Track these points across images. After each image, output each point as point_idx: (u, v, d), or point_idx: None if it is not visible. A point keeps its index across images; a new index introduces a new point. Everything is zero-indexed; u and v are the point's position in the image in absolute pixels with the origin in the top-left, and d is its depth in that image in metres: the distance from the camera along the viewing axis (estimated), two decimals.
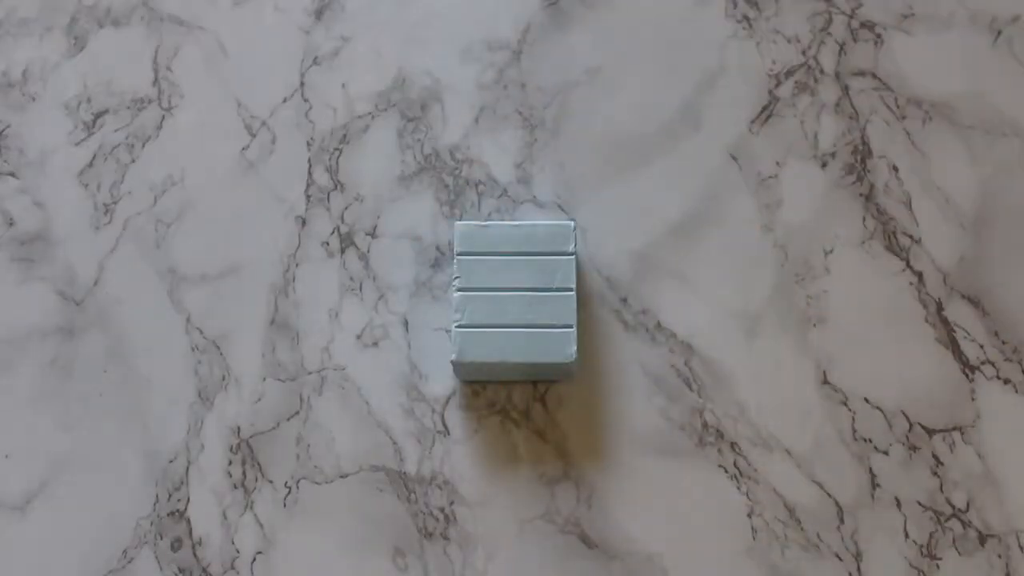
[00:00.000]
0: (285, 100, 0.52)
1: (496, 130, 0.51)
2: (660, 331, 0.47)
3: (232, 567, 0.45)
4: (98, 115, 0.53)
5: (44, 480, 0.47)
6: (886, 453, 0.44)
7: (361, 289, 0.49)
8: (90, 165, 0.52)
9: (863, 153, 0.49)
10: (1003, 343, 0.46)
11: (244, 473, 0.46)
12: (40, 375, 0.48)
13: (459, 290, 0.45)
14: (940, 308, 0.46)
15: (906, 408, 0.45)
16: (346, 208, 0.50)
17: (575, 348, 0.43)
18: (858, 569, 0.43)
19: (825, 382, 0.46)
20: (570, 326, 0.44)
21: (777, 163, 0.49)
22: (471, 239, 0.45)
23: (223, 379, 0.48)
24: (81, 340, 0.49)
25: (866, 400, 0.45)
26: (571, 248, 0.45)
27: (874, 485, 0.44)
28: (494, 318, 0.44)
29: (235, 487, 0.46)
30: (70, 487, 0.47)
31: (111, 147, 0.52)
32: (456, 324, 0.44)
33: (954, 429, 0.45)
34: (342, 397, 0.47)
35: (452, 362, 0.44)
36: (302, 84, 0.53)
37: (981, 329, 0.46)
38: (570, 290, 0.44)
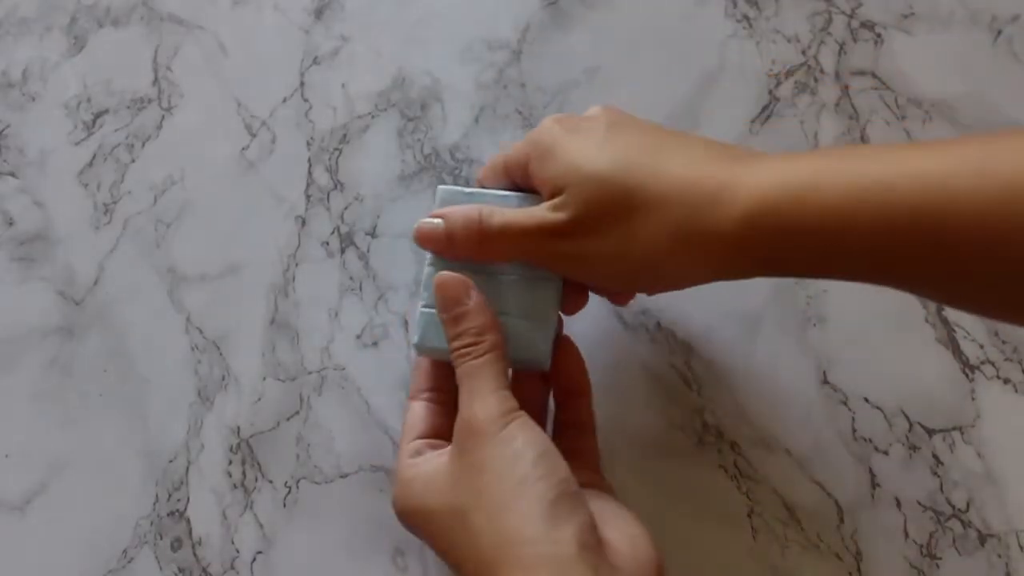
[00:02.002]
0: (285, 100, 0.52)
1: (496, 130, 0.51)
2: (660, 331, 0.47)
3: (232, 567, 0.45)
4: (98, 115, 0.53)
5: (44, 480, 0.47)
6: (886, 453, 0.44)
7: (361, 289, 0.49)
8: (90, 165, 0.52)
9: None
10: (1003, 343, 0.46)
11: (244, 473, 0.46)
12: (40, 375, 0.48)
13: (430, 264, 0.39)
14: (940, 308, 0.46)
15: (906, 408, 0.45)
16: (346, 208, 0.50)
17: (550, 347, 0.38)
18: (858, 569, 0.43)
19: (825, 382, 0.46)
20: (546, 320, 0.38)
21: None
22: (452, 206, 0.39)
23: (223, 379, 0.48)
24: (81, 340, 0.49)
25: (866, 400, 0.45)
26: None
27: (874, 485, 0.44)
28: None
29: (235, 487, 0.46)
30: (70, 487, 0.47)
31: (111, 147, 0.52)
32: (422, 304, 0.39)
33: (954, 429, 0.45)
34: (342, 397, 0.47)
35: (414, 346, 0.39)
36: (302, 84, 0.53)
37: (981, 329, 0.46)
38: (554, 279, 0.38)
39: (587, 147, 0.35)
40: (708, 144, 0.35)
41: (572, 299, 0.40)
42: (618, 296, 0.42)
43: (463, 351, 0.36)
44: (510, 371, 0.37)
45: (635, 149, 0.35)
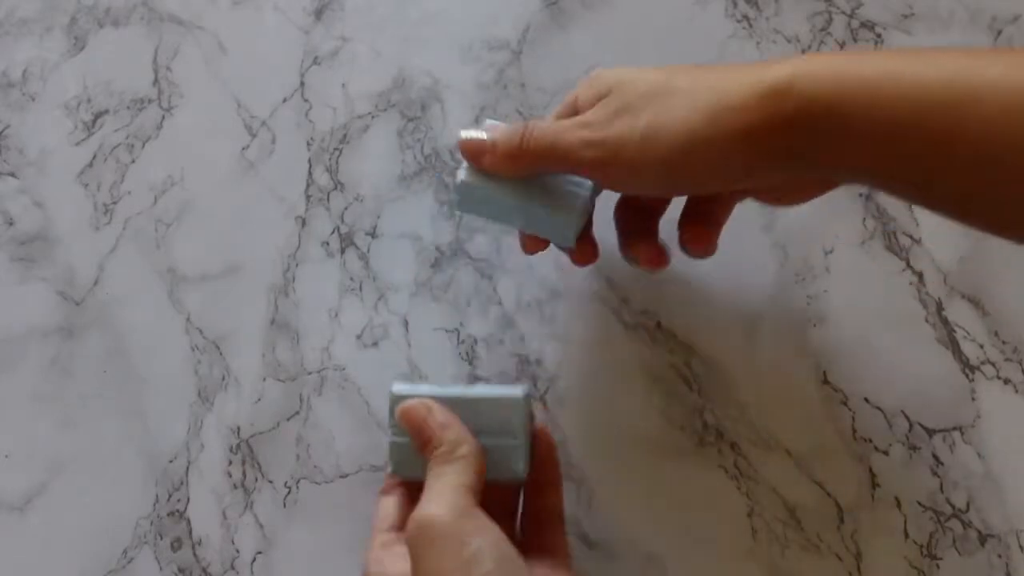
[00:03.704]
0: (285, 100, 0.52)
1: None
2: (660, 331, 0.47)
3: (232, 567, 0.45)
4: (98, 115, 0.53)
5: (44, 480, 0.47)
6: (886, 453, 0.44)
7: (361, 289, 0.49)
8: (90, 165, 0.52)
9: None
10: (1003, 343, 0.46)
11: (244, 473, 0.46)
12: (40, 375, 0.48)
13: (394, 393, 0.41)
14: (940, 308, 0.46)
15: (906, 408, 0.45)
16: (346, 208, 0.50)
17: (525, 461, 0.39)
18: (858, 569, 0.43)
19: (825, 382, 0.46)
20: (518, 435, 0.39)
21: None
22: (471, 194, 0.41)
23: (223, 379, 0.48)
24: (81, 340, 0.49)
25: (866, 400, 0.45)
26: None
27: (874, 485, 0.44)
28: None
29: (235, 487, 0.46)
30: (70, 487, 0.47)
31: (111, 147, 0.52)
32: (391, 433, 0.40)
33: (954, 429, 0.45)
34: (342, 397, 0.47)
35: (390, 474, 0.41)
36: (302, 84, 0.53)
37: (981, 329, 0.46)
38: (522, 391, 0.40)
39: (635, 68, 0.38)
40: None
41: (582, 249, 0.41)
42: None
43: (438, 465, 0.36)
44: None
45: (679, 67, 0.37)
